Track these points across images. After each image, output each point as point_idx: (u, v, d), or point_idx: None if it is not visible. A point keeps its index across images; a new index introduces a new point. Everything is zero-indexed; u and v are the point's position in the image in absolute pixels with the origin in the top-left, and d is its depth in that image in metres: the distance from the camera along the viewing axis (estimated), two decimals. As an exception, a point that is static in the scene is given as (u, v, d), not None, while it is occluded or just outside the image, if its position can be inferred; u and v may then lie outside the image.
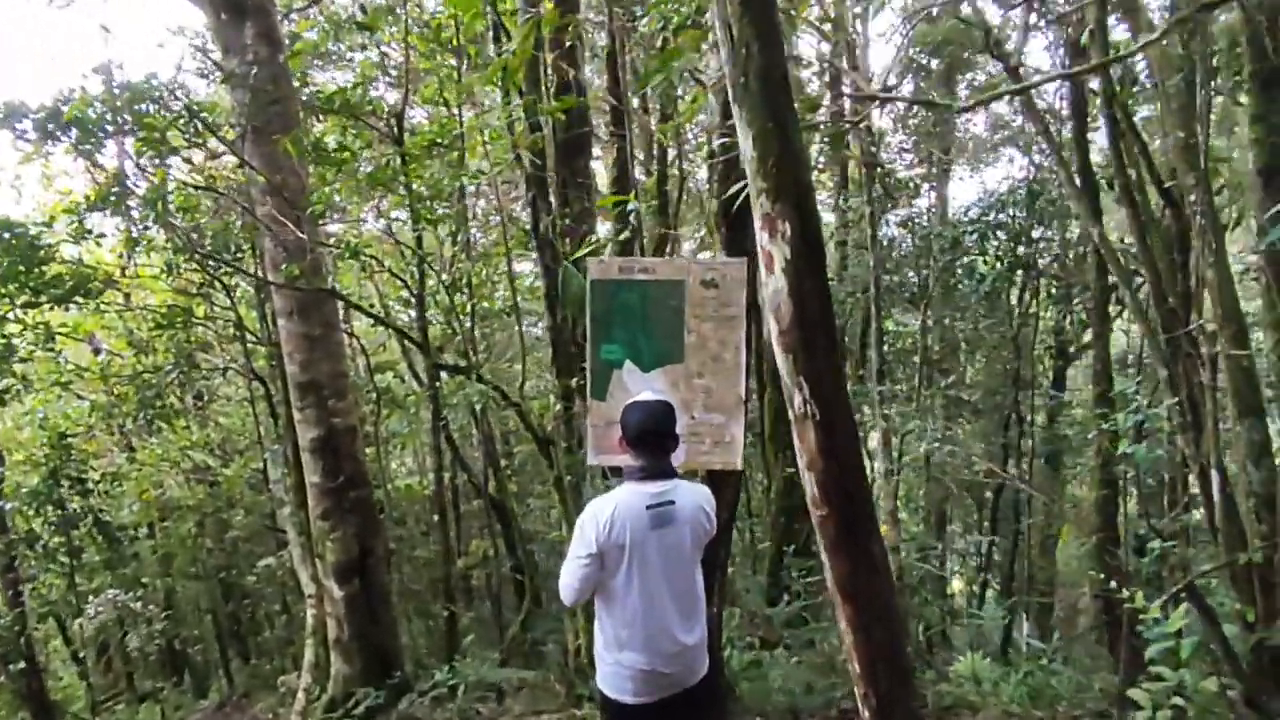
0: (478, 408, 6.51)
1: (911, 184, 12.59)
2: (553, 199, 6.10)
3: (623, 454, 3.43)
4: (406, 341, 9.38)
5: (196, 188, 7.43)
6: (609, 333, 4.02)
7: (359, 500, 7.35)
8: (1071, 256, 10.34)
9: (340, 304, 6.93)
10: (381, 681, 6.96)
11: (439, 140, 5.99)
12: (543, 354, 8.19)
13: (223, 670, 12.08)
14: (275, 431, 9.14)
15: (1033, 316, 11.95)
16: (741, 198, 4.04)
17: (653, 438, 3.17)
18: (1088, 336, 12.24)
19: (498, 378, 5.35)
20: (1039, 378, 12.37)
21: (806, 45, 13.66)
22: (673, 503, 3.16)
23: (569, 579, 3.16)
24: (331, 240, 8.34)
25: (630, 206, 4.26)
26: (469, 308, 6.73)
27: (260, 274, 7.37)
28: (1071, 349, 12.90)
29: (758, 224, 3.33)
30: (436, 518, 8.76)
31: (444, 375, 10.92)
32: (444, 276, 5.91)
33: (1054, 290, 11.66)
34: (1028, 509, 10.88)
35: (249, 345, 9.21)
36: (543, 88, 5.62)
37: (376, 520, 7.57)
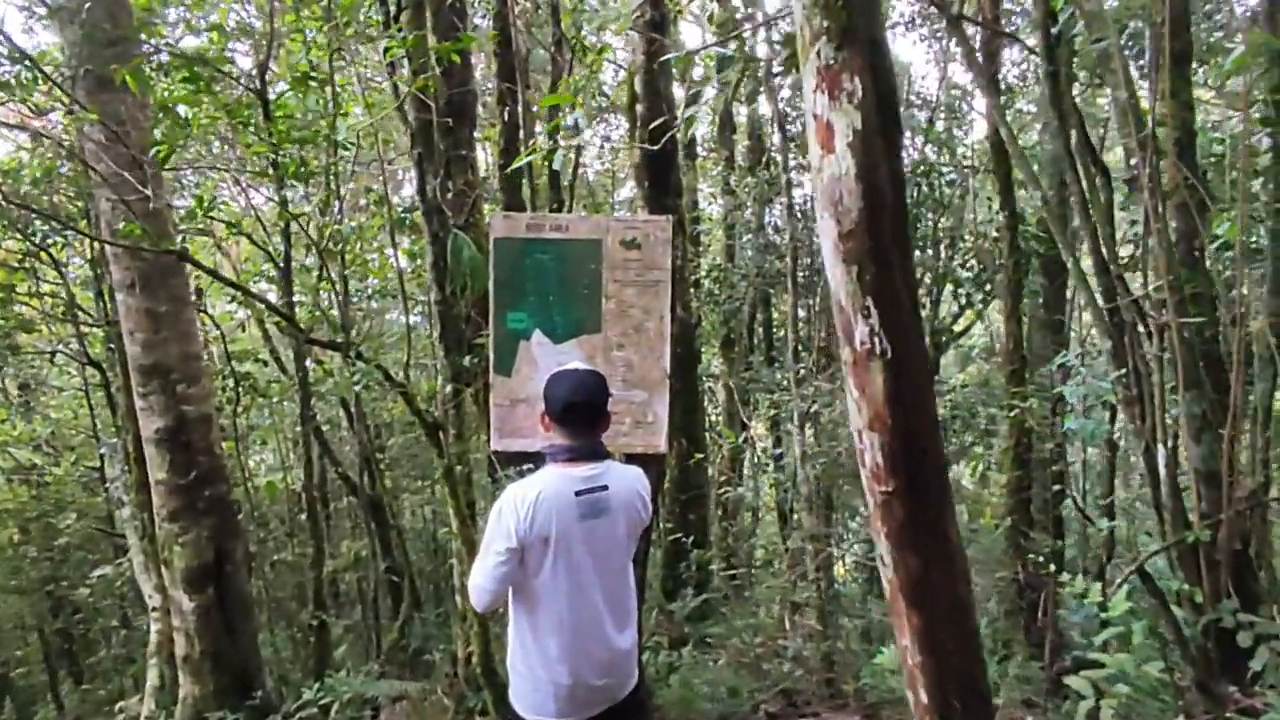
0: (356, 391, 5.83)
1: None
2: (439, 164, 5.51)
3: (540, 434, 2.95)
4: (270, 321, 8.51)
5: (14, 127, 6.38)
6: (515, 299, 3.51)
7: (214, 499, 6.51)
8: (949, 242, 10.46)
9: (192, 280, 6.08)
10: (240, 703, 6.18)
11: (311, 75, 5.26)
12: (428, 334, 7.54)
13: (51, 695, 10.75)
14: (114, 424, 8.09)
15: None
16: (665, 145, 3.61)
17: (583, 412, 2.70)
18: (961, 324, 12.56)
19: (378, 360, 4.76)
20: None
21: None
22: (605, 488, 2.70)
23: (482, 579, 2.66)
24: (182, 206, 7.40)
25: (570, 116, 3.73)
26: (344, 280, 5.99)
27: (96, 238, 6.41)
28: (943, 338, 13.21)
29: (809, 83, 2.37)
30: (305, 516, 7.95)
31: (312, 363, 10.03)
32: (314, 240, 5.18)
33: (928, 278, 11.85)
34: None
35: (82, 326, 8.10)
36: (428, 29, 5.03)
37: (234, 521, 6.75)
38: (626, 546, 2.79)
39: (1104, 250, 3.47)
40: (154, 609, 6.74)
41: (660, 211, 4.14)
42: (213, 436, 6.60)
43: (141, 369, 6.36)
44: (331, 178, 5.17)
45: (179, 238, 7.70)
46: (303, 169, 4.74)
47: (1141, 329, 3.37)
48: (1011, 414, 5.74)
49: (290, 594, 10.05)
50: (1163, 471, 3.30)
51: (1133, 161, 3.71)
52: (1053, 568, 4.72)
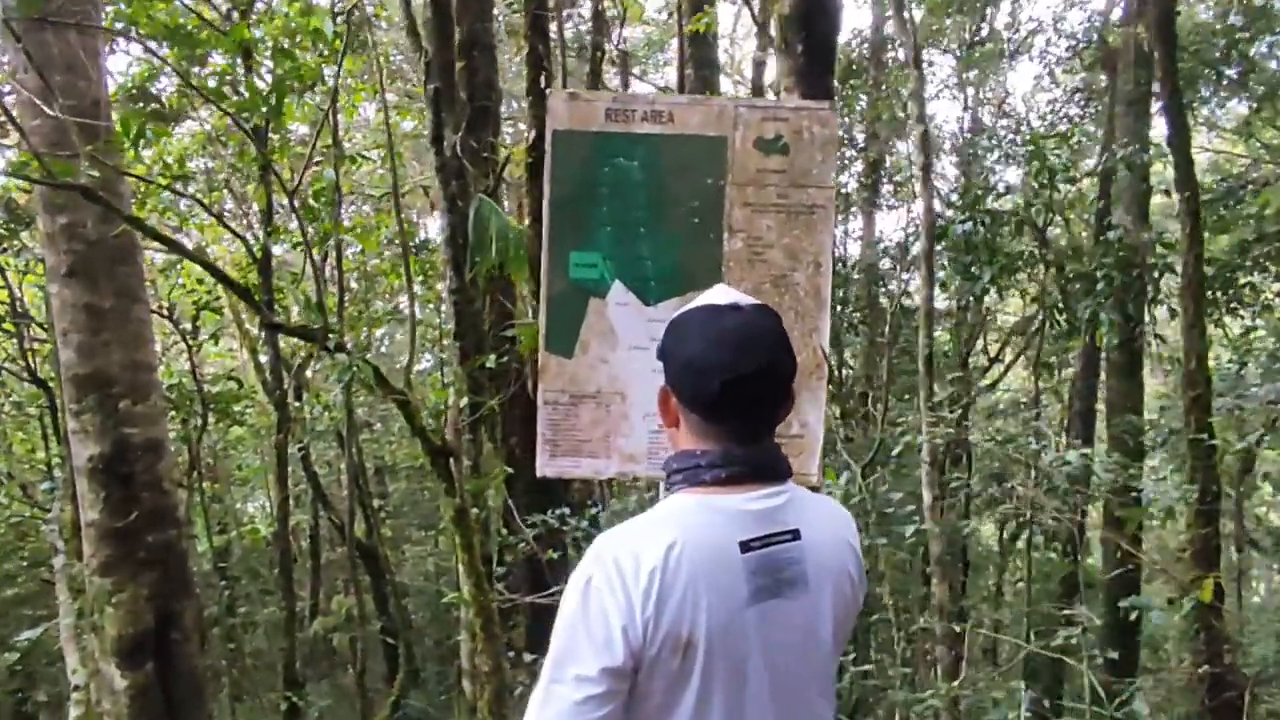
0: (347, 413, 4.48)
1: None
2: (459, 113, 4.23)
3: (645, 441, 1.62)
4: (259, 338, 7.21)
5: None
6: (584, 232, 2.18)
7: (160, 547, 5.12)
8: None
9: (145, 269, 4.79)
10: (180, 816, 4.72)
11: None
12: (436, 326, 6.17)
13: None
14: (60, 453, 6.75)
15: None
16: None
17: (758, 389, 1.36)
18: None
19: (365, 354, 3.47)
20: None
21: None
22: (796, 536, 1.34)
23: None
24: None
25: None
26: (334, 243, 4.58)
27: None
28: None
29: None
30: (277, 571, 6.56)
31: (307, 396, 8.70)
32: (285, 189, 3.87)
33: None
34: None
35: (28, 338, 6.80)
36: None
37: (185, 576, 5.36)
38: (831, 655, 1.40)
39: None
40: (76, 687, 5.31)
41: (817, 95, 2.79)
42: (162, 468, 5.22)
43: (75, 379, 5.03)
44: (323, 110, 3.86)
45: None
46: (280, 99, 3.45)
47: None
48: (1193, 452, 4.35)
49: (273, 663, 8.57)
50: None
51: None
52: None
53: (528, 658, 5.04)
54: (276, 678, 8.35)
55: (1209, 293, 9.14)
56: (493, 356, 3.54)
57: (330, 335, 3.13)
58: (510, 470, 4.39)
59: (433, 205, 4.85)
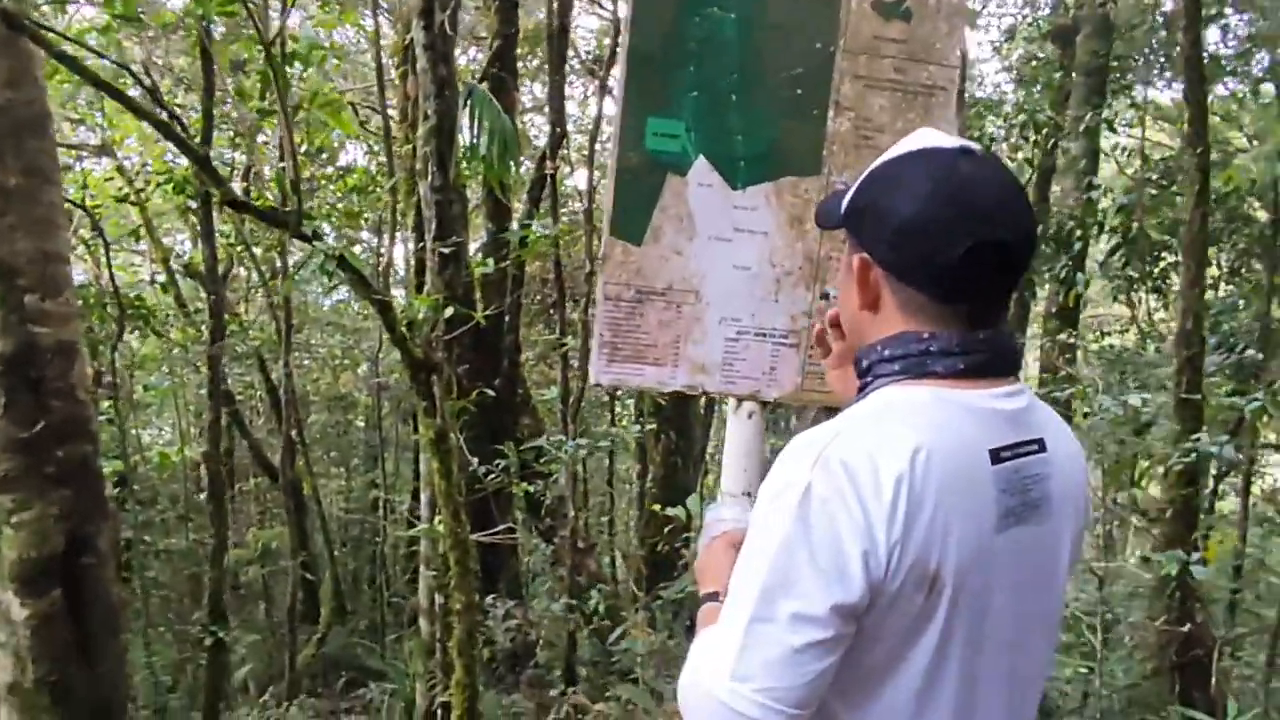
0: (282, 330, 3.98)
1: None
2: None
3: (734, 336, 1.44)
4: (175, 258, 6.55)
5: None
6: (664, 94, 1.82)
7: (73, 462, 4.57)
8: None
9: (58, 144, 4.15)
10: (91, 757, 4.27)
11: None
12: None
13: None
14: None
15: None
16: None
17: (1005, 255, 1.04)
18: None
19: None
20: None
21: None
22: (1042, 448, 1.06)
23: (762, 677, 0.94)
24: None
25: None
26: (287, 104, 3.94)
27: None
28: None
29: None
30: (204, 496, 6.03)
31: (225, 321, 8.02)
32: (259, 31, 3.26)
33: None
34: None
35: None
36: None
37: (100, 496, 4.83)
38: (1063, 592, 1.12)
39: None
40: (-30, 617, 4.74)
41: None
42: (75, 375, 4.64)
43: (-25, 269, 4.39)
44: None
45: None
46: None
47: None
48: (1181, 414, 4.30)
49: (181, 595, 8.02)
50: None
51: None
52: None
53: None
54: (188, 611, 7.83)
55: (1143, 266, 9.34)
56: (490, 261, 3.14)
57: (307, 220, 2.69)
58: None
59: (407, 95, 4.35)
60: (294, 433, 7.00)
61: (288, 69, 4.81)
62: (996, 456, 0.99)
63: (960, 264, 1.00)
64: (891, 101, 1.85)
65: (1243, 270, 8.98)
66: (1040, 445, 1.04)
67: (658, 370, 1.87)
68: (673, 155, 1.82)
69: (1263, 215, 7.85)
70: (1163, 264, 8.86)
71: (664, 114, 1.81)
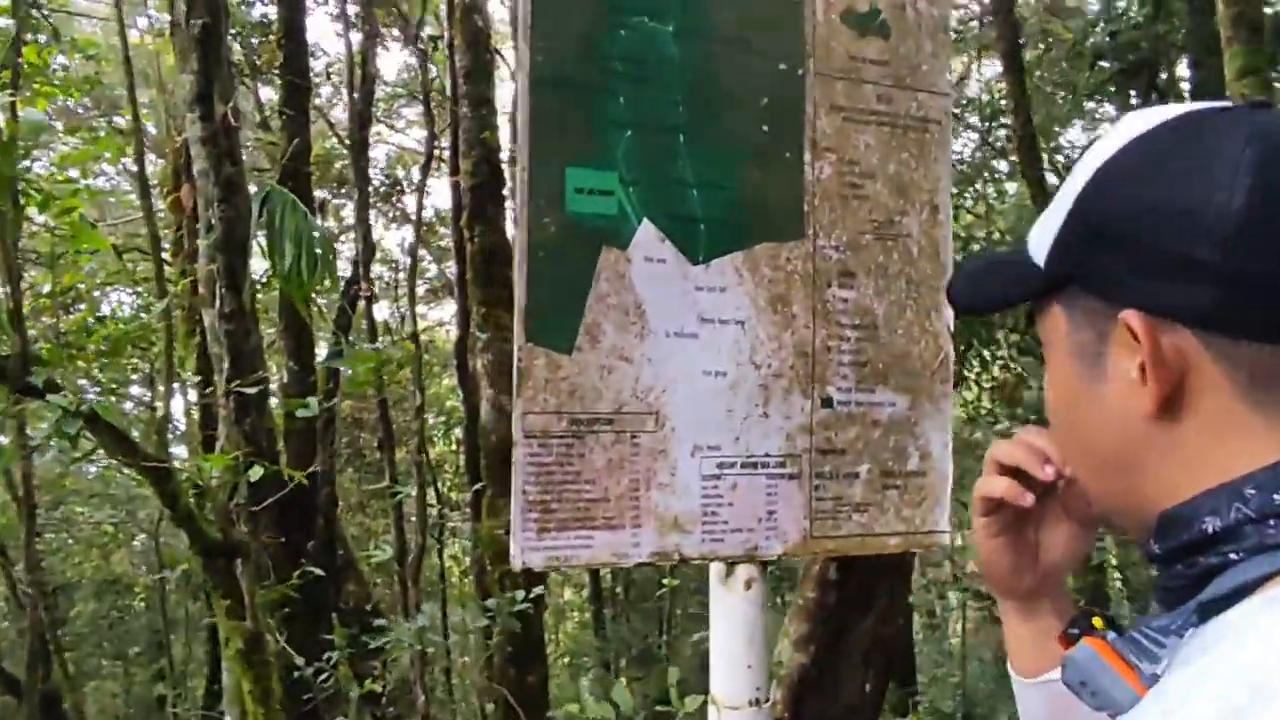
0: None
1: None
2: (222, 61, 3.10)
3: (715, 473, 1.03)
4: None
5: None
6: (589, 134, 1.26)
7: None
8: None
9: None
10: None
11: None
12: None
13: None
14: None
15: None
16: None
17: None
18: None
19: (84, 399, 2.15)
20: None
21: None
22: None
23: None
24: None
25: None
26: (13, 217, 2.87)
27: None
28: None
29: None
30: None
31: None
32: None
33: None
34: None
35: None
36: None
37: None
38: None
39: None
40: None
41: None
42: None
43: None
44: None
45: None
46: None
47: None
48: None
49: None
50: None
51: None
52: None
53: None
54: None
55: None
56: (312, 402, 2.39)
57: (37, 367, 1.86)
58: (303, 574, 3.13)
59: (179, 202, 3.56)
60: (46, 634, 5.56)
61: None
62: None
63: None
64: (879, 138, 1.40)
65: None
66: None
67: (612, 536, 1.25)
68: (606, 220, 1.26)
69: None
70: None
71: (588, 163, 1.25)
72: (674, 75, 1.29)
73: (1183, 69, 9.47)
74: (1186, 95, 9.32)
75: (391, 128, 11.02)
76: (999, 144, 9.87)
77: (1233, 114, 0.59)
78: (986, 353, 6.22)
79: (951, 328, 1.43)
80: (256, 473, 2.48)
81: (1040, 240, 0.66)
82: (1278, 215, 0.53)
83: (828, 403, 1.35)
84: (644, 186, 1.27)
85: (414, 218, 7.11)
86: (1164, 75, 9.48)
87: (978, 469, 0.82)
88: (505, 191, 6.23)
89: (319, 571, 3.08)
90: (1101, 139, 0.65)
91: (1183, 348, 0.56)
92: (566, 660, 12.11)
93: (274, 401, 5.25)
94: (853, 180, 1.38)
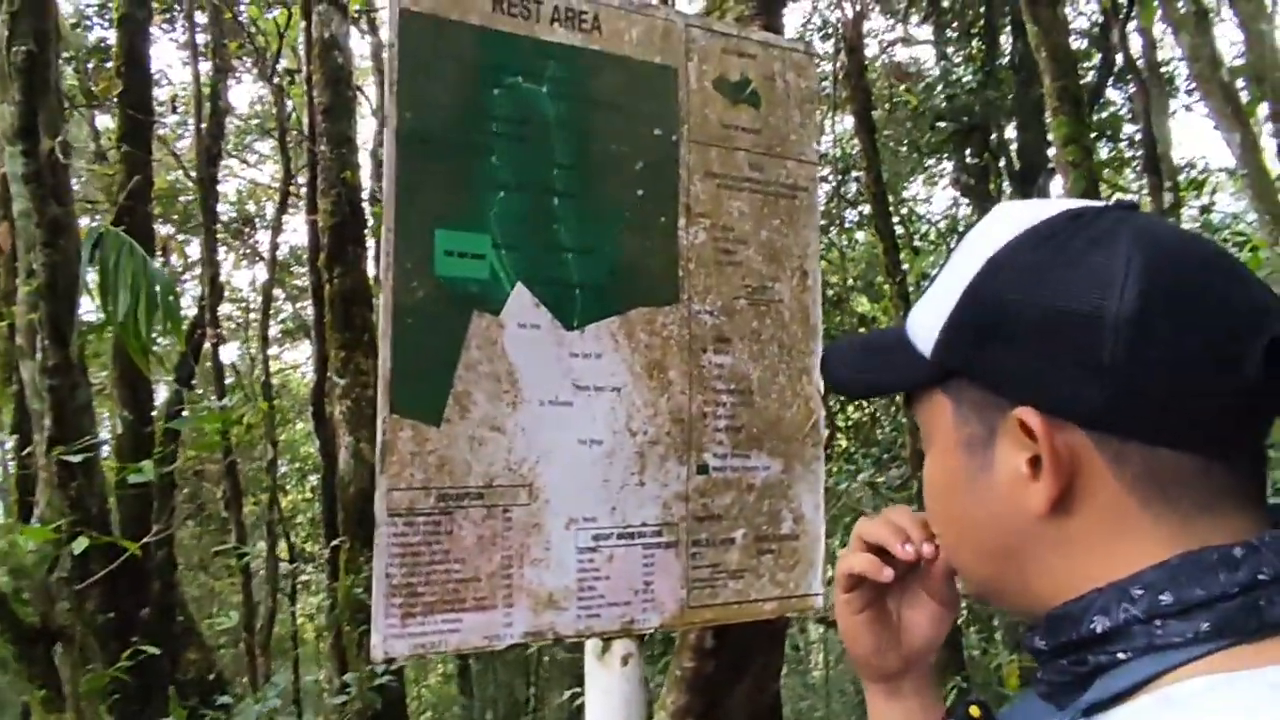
0: None
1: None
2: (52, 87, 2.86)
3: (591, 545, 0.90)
4: None
5: None
6: (461, 195, 1.22)
7: None
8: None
9: None
10: None
11: None
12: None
13: None
14: None
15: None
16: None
17: None
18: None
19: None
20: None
21: None
22: None
23: None
24: None
25: None
26: None
27: None
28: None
29: None
30: None
31: None
32: None
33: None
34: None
35: None
36: None
37: None
38: None
39: None
40: None
41: (777, 30, 2.03)
42: None
43: None
44: None
45: None
46: None
47: None
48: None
49: None
50: None
51: None
52: None
53: None
54: None
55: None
56: (147, 465, 2.18)
57: None
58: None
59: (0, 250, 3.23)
60: None
61: None
62: None
63: (1253, 382, 0.52)
64: (751, 205, 1.42)
65: None
66: None
67: (483, 617, 1.18)
68: (477, 285, 1.21)
69: None
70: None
71: (459, 224, 1.20)
72: (549, 137, 1.27)
73: (1011, 131, 10.34)
74: (1014, 155, 10.16)
75: (245, 162, 10.50)
76: (849, 195, 10.43)
77: (1114, 215, 0.60)
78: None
79: (821, 390, 1.45)
80: (82, 544, 2.25)
81: (925, 325, 0.65)
82: (1165, 322, 0.54)
83: (704, 469, 1.34)
84: (517, 250, 1.23)
85: (267, 257, 6.76)
86: (994, 137, 10.31)
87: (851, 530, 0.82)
88: (366, 232, 6.03)
89: (154, 650, 2.77)
90: (983, 226, 0.65)
91: (1075, 446, 0.57)
92: (428, 718, 11.60)
93: (106, 453, 4.85)
94: (726, 246, 1.39)
